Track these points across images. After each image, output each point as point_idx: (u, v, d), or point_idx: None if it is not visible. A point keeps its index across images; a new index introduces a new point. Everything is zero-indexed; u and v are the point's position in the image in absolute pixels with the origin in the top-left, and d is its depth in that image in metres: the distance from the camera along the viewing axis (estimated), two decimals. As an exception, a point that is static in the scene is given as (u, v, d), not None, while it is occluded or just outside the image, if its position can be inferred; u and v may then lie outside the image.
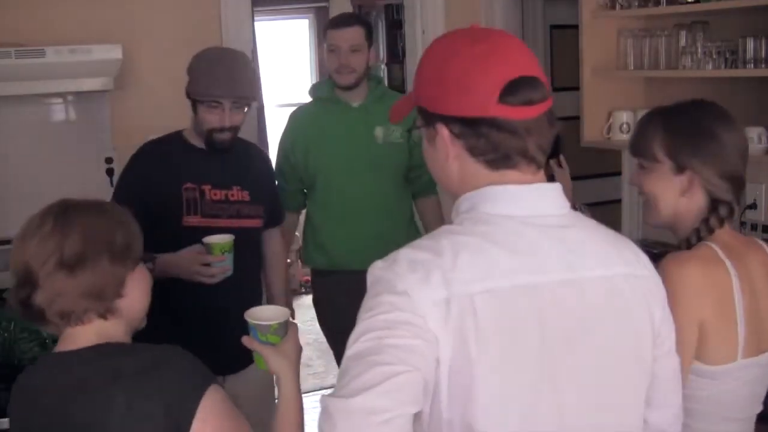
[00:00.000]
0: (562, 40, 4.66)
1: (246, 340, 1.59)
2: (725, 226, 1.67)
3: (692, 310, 1.56)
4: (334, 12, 7.23)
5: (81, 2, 3.22)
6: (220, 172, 2.50)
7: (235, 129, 2.46)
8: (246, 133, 3.53)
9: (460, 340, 1.14)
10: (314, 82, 7.45)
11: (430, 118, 1.28)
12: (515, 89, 1.21)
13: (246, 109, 2.48)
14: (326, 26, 3.09)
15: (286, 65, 7.51)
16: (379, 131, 3.04)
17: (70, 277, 1.43)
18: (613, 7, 3.26)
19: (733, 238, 1.69)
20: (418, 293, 1.15)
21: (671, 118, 1.72)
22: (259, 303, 2.65)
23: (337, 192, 3.05)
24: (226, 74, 2.40)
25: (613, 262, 1.27)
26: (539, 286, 1.19)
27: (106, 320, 1.48)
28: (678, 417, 1.39)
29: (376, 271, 1.21)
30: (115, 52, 3.09)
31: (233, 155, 2.54)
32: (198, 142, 2.51)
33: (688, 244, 1.67)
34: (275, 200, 2.77)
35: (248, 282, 2.55)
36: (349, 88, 3.02)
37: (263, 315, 1.61)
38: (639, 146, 1.73)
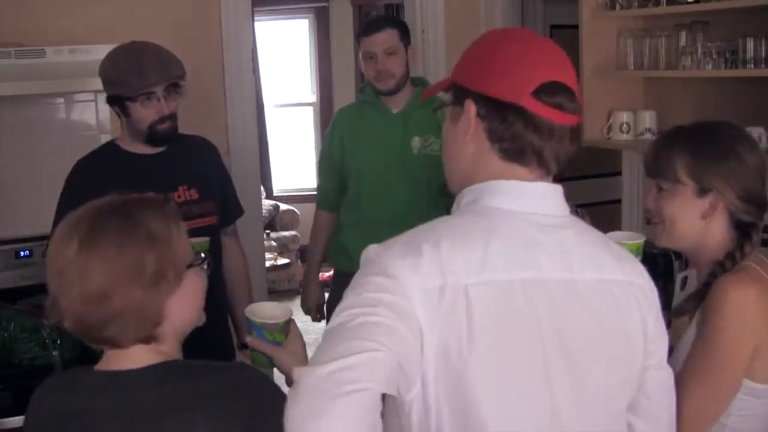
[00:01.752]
0: (562, 40, 4.60)
1: (253, 341, 1.54)
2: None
3: (751, 334, 1.54)
4: (334, 12, 7.24)
5: (81, 2, 3.22)
6: (161, 174, 2.39)
7: (173, 116, 2.37)
8: (246, 133, 3.55)
9: (452, 330, 1.15)
10: (310, 82, 7.50)
11: (462, 95, 1.29)
12: (552, 90, 1.24)
13: (179, 90, 2.38)
14: (358, 34, 2.97)
15: (286, 65, 7.50)
16: (416, 141, 2.91)
17: (96, 307, 1.28)
18: (613, 7, 3.26)
19: (755, 254, 1.66)
20: (407, 279, 1.15)
21: (694, 138, 1.66)
22: (226, 303, 2.60)
23: (366, 198, 2.96)
24: (153, 62, 2.31)
25: (609, 267, 1.28)
26: (534, 282, 1.20)
27: (148, 345, 1.33)
28: (668, 429, 1.38)
29: (370, 253, 1.22)
30: (115, 52, 3.09)
31: (175, 153, 2.44)
32: (134, 148, 2.41)
33: (723, 269, 1.62)
34: (228, 195, 2.64)
35: (212, 282, 2.45)
36: (391, 93, 2.89)
37: (266, 313, 1.56)
38: (660, 168, 1.67)
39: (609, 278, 1.27)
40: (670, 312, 1.90)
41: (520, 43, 1.28)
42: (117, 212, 1.32)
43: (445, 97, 1.37)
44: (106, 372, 1.33)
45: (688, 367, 1.56)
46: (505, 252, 1.20)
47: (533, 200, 1.26)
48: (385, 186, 2.93)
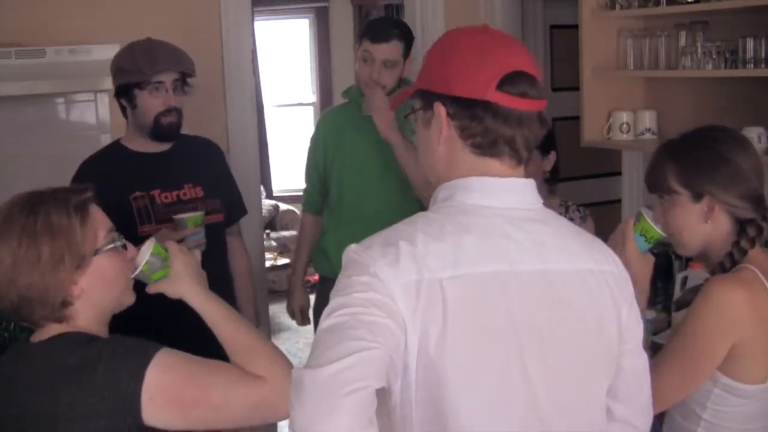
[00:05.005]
0: (562, 40, 4.65)
1: (148, 288, 1.63)
2: (757, 247, 1.70)
3: (726, 332, 1.61)
4: (334, 12, 7.23)
5: (81, 2, 3.22)
6: (167, 172, 2.44)
7: (179, 111, 2.42)
8: (246, 133, 3.55)
9: (429, 323, 1.18)
10: (310, 82, 7.50)
11: (430, 98, 1.33)
12: (514, 80, 1.28)
13: (186, 89, 2.43)
14: (364, 32, 2.88)
15: (286, 65, 7.50)
16: None
17: (7, 291, 1.49)
18: (613, 7, 3.26)
19: (759, 254, 1.71)
20: (387, 276, 1.19)
21: (680, 148, 1.76)
22: (231, 298, 2.54)
23: (347, 199, 2.94)
24: (166, 52, 2.39)
25: (582, 257, 1.32)
26: (508, 274, 1.24)
27: (60, 324, 1.51)
28: (645, 412, 1.43)
29: (351, 253, 1.26)
30: (114, 52, 3.08)
31: (179, 152, 2.47)
32: (139, 146, 2.46)
33: (723, 269, 1.70)
34: (233, 194, 2.68)
35: (218, 280, 2.42)
36: None
37: (141, 258, 1.60)
38: (654, 181, 1.77)
39: (581, 267, 1.31)
40: (670, 313, 1.92)
41: (476, 38, 1.31)
42: (24, 207, 1.50)
43: (414, 103, 1.39)
44: (29, 343, 1.54)
45: (666, 349, 1.65)
46: (479, 246, 1.24)
47: (505, 195, 1.30)
48: (364, 188, 2.91)
